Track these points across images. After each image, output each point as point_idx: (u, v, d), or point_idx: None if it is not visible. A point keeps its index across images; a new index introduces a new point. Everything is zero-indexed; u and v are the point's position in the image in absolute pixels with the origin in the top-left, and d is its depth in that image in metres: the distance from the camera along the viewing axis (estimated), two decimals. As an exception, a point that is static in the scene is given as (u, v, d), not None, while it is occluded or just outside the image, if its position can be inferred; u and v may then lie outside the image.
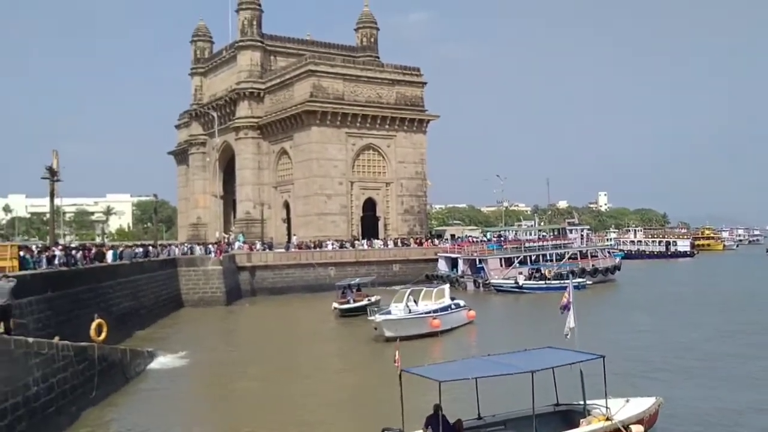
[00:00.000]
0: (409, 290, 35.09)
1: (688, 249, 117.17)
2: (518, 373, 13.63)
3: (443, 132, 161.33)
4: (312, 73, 66.44)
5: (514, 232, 70.68)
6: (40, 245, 43.05)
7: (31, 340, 16.92)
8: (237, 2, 73.24)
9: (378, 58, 77.86)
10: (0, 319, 17.07)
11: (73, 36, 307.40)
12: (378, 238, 67.03)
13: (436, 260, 62.85)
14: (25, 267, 26.20)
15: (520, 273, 54.51)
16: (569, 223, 75.32)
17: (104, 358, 20.73)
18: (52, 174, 32.13)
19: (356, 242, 63.84)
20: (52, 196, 33.14)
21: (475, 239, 69.76)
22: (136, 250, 44.33)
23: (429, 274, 59.30)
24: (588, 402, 14.82)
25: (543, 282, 52.90)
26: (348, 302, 40.96)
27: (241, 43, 73.00)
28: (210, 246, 55.34)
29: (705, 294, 50.66)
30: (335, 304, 40.85)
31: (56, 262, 29.26)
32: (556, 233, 65.40)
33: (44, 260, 28.89)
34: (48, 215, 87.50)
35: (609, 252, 67.60)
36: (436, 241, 70.01)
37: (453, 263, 61.16)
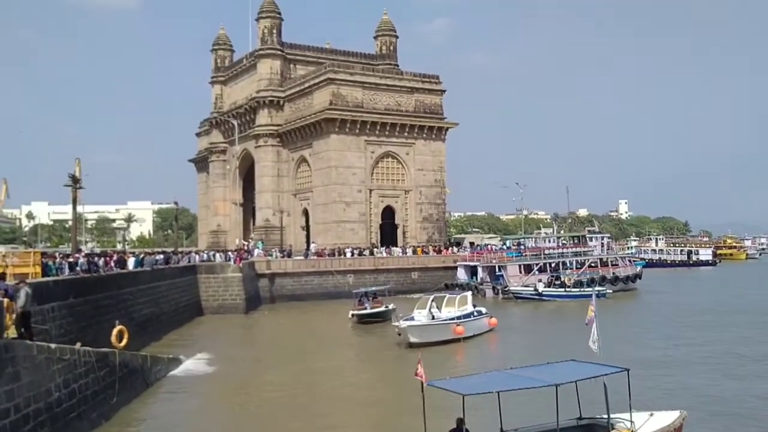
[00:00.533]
0: (432, 297, 35.36)
1: (710, 258, 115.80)
2: (542, 386, 13.44)
3: (462, 139, 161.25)
4: (331, 81, 66.68)
5: (533, 239, 70.28)
6: (60, 253, 43.45)
7: (53, 346, 17.02)
8: (257, 11, 73.84)
9: (397, 65, 77.95)
10: (20, 325, 17.19)
11: (94, 46, 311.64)
12: (397, 246, 66.96)
13: (455, 268, 62.60)
14: (48, 273, 26.44)
15: (540, 280, 54.14)
16: (590, 231, 74.78)
17: (125, 365, 20.84)
18: (75, 181, 32.48)
19: (375, 250, 63.79)
20: (74, 203, 33.51)
21: (494, 247, 69.48)
22: (157, 257, 44.62)
23: (448, 283, 59.06)
24: (612, 415, 14.54)
25: (563, 289, 52.47)
26: (365, 309, 41.08)
27: (261, 52, 73.47)
28: (230, 253, 55.60)
29: (728, 304, 49.87)
30: (352, 311, 40.91)
31: (78, 268, 29.49)
32: (576, 241, 64.92)
33: (66, 267, 29.15)
34: (70, 222, 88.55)
35: (630, 260, 66.98)
36: (455, 249, 69.77)
37: (472, 272, 60.93)
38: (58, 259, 30.10)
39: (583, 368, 15.06)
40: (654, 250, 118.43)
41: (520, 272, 56.56)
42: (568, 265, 58.13)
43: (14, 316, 16.41)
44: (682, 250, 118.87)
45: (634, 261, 69.90)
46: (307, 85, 69.98)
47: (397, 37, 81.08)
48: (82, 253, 35.18)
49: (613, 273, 58.86)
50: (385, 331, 37.92)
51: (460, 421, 12.89)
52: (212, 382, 25.52)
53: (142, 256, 43.89)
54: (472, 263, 61.67)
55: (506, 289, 54.96)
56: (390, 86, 69.96)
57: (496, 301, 53.09)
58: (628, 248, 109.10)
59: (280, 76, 73.87)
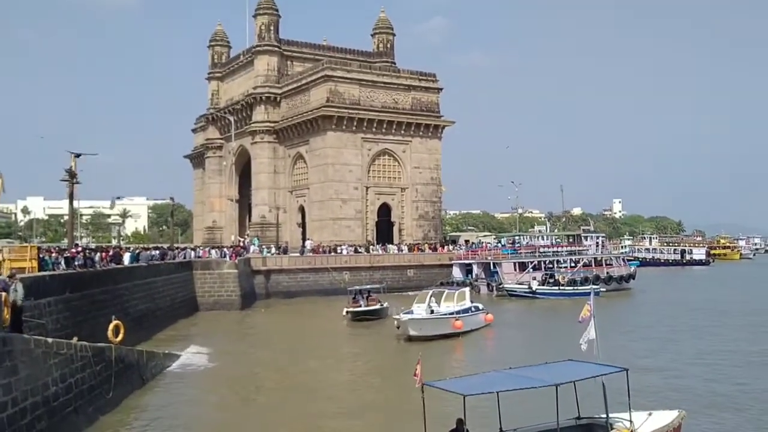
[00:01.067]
0: (431, 292, 36.33)
1: (703, 257, 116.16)
2: (542, 386, 13.48)
3: (458, 138, 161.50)
4: (328, 78, 66.69)
5: (528, 237, 70.46)
6: (57, 248, 43.40)
7: (50, 340, 17.09)
8: (254, 7, 73.74)
9: (394, 63, 77.98)
10: (11, 318, 17.18)
11: (90, 42, 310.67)
12: (392, 243, 67.07)
13: (451, 266, 62.76)
14: (44, 268, 26.48)
15: (534, 278, 54.36)
16: (585, 231, 74.95)
17: (121, 359, 20.91)
18: (71, 176, 32.46)
19: (371, 247, 63.90)
20: (71, 198, 33.50)
21: (489, 245, 69.65)
22: (153, 253, 44.65)
23: (443, 281, 59.23)
24: (611, 415, 14.59)
25: (557, 288, 52.74)
26: (360, 306, 41.26)
27: (258, 48, 73.39)
28: (225, 249, 55.61)
29: (723, 303, 50.09)
30: (347, 309, 41.12)
31: (75, 263, 29.52)
32: (571, 240, 65.12)
33: (63, 261, 29.18)
34: (65, 217, 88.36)
35: (624, 260, 67.14)
36: (451, 247, 69.94)
37: (467, 269, 61.14)
38: (54, 254, 30.10)
39: (581, 368, 15.09)
40: (648, 249, 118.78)
41: (515, 270, 56.77)
42: (563, 263, 58.36)
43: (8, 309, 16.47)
44: (675, 250, 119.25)
45: (628, 261, 70.12)
46: (304, 81, 69.96)
47: (394, 34, 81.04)
48: (78, 248, 35.14)
49: (607, 273, 59.01)
50: (380, 327, 38.19)
51: (460, 422, 12.88)
52: (208, 378, 25.61)
53: (137, 251, 43.93)
54: (467, 261, 61.87)
55: (501, 286, 55.17)
56: (387, 84, 70.01)
57: (491, 298, 53.35)
58: (622, 247, 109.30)
59: (277, 72, 73.80)
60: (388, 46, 79.99)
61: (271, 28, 73.21)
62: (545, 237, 67.98)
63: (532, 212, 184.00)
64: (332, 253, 59.91)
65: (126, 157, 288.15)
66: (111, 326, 23.17)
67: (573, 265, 58.46)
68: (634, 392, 15.01)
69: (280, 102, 73.43)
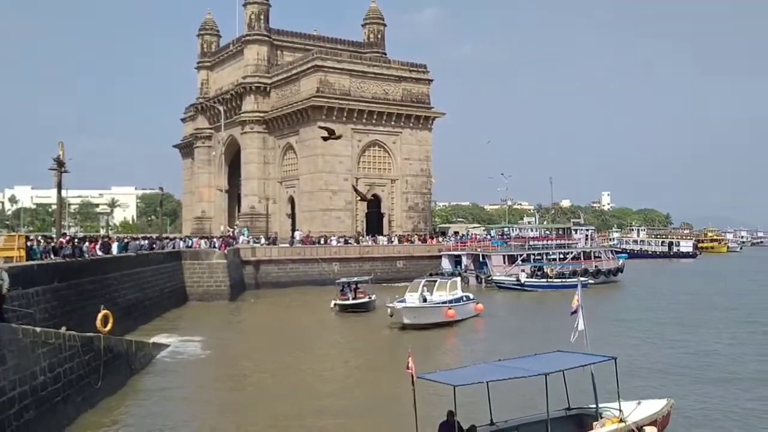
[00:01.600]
0: (423, 281, 37.16)
1: (690, 250, 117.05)
2: (532, 375, 13.59)
3: (449, 129, 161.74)
4: (318, 69, 66.46)
5: (517, 229, 70.63)
6: (45, 237, 43.17)
7: (38, 329, 17.00)
8: (244, -4, 73.26)
9: (385, 54, 77.77)
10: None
11: (79, 31, 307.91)
12: (382, 235, 67.10)
13: (440, 257, 62.90)
14: (32, 257, 26.35)
15: (522, 270, 54.58)
16: (575, 223, 75.25)
17: (110, 349, 20.84)
18: (60, 165, 32.23)
19: (360, 238, 63.92)
20: (59, 186, 33.25)
21: (478, 236, 69.82)
22: (141, 243, 44.46)
23: (432, 272, 59.30)
24: (600, 405, 14.76)
25: (545, 280, 53.03)
26: (348, 299, 41.32)
27: (248, 37, 73.01)
28: (215, 240, 55.45)
29: (710, 294, 50.57)
30: (334, 301, 41.14)
31: (63, 252, 29.38)
32: (560, 232, 65.38)
33: (51, 251, 29.02)
34: (53, 207, 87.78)
35: (612, 252, 67.45)
36: (441, 239, 70.07)
37: (456, 261, 61.29)
38: (42, 243, 29.93)
39: (570, 358, 15.27)
40: (636, 241, 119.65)
41: (504, 262, 56.95)
42: (551, 255, 58.59)
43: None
44: (663, 242, 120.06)
45: (616, 253, 70.45)
46: (294, 71, 69.69)
47: (385, 25, 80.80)
48: (67, 237, 34.97)
49: (596, 266, 59.28)
50: (369, 318, 38.34)
51: (451, 414, 12.95)
52: (197, 368, 25.58)
53: (126, 241, 43.73)
54: (456, 252, 62.02)
55: (489, 278, 55.37)
56: (377, 75, 69.85)
57: (479, 289, 53.57)
58: (610, 239, 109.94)
59: (267, 62, 73.47)
60: (379, 36, 79.75)
61: (261, 17, 72.82)
62: (534, 229, 68.19)
63: (521, 204, 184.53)
64: (322, 244, 59.88)
65: (115, 146, 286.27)
66: (100, 316, 23.09)
67: (562, 257, 58.71)
68: (623, 381, 15.16)
69: (270, 92, 73.13)
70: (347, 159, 66.94)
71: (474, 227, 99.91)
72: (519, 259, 57.00)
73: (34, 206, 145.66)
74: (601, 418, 14.47)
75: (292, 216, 71.42)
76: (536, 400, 14.13)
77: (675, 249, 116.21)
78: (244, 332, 36.65)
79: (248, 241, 59.36)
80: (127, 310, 32.86)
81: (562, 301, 34.91)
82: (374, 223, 69.62)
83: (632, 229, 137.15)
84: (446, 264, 61.65)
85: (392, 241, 64.54)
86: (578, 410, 15.15)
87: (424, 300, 34.85)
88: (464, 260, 60.18)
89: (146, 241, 45.94)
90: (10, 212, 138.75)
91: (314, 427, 17.72)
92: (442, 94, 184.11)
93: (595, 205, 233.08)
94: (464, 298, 37.38)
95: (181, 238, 58.97)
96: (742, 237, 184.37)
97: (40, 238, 36.84)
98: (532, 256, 57.80)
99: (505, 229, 69.90)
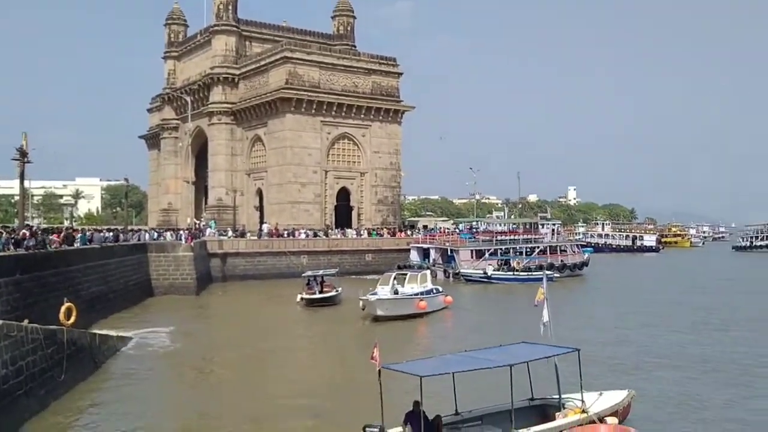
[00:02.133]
0: (393, 274, 37.82)
1: (654, 244, 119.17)
2: (497, 366, 13.80)
3: (418, 123, 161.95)
4: (288, 60, 66.08)
5: (485, 223, 71.21)
6: (8, 227, 42.30)
7: (0, 322, 16.76)
8: (213, -14, 72.43)
9: (354, 46, 77.60)
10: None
11: (42, 17, 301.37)
12: (351, 228, 67.11)
13: (409, 250, 63.14)
14: (-7, 249, 25.86)
15: (489, 264, 55.15)
16: (542, 218, 76.08)
17: (73, 342, 20.58)
18: (23, 155, 31.62)
19: (329, 231, 63.85)
20: (22, 177, 32.63)
21: (446, 230, 70.24)
22: (106, 235, 43.83)
23: (401, 264, 59.53)
24: (563, 396, 15.05)
25: (511, 273, 53.82)
26: (315, 293, 41.22)
27: (216, 28, 72.25)
28: (181, 232, 54.90)
29: (670, 289, 51.68)
30: (301, 295, 40.98)
31: (26, 244, 28.87)
32: (527, 227, 66.02)
33: (13, 242, 28.49)
34: (16, 197, 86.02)
35: (578, 246, 68.40)
36: (409, 232, 70.33)
37: (425, 253, 61.55)
38: (4, 235, 29.36)
39: (535, 349, 15.54)
40: (600, 235, 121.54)
41: (472, 257, 57.33)
42: (519, 249, 59.19)
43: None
44: (627, 236, 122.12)
45: (582, 247, 71.43)
46: (262, 62, 69.20)
47: (354, 17, 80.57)
48: (33, 229, 34.32)
49: (562, 261, 60.02)
50: (336, 311, 38.42)
51: (417, 404, 13.02)
52: (162, 360, 25.40)
53: (90, 233, 43.06)
54: (425, 245, 62.32)
55: (457, 273, 55.77)
56: (347, 67, 69.73)
57: (447, 282, 53.90)
58: (576, 233, 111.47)
59: (235, 53, 72.82)
60: (349, 29, 79.54)
61: (230, 7, 72.11)
62: (502, 224, 68.82)
63: (489, 198, 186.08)
64: (290, 237, 59.70)
65: (79, 136, 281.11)
66: (63, 308, 22.81)
67: (529, 252, 59.36)
68: (586, 373, 15.47)
69: (239, 83, 72.54)
70: (316, 152, 66.76)
71: (443, 221, 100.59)
72: (487, 253, 57.46)
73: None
74: (564, 408, 14.76)
75: (260, 208, 71.04)
76: (499, 390, 14.35)
77: (639, 243, 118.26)
78: (210, 325, 36.49)
79: (215, 234, 58.93)
80: (91, 303, 32.42)
81: (527, 293, 35.46)
82: (343, 216, 69.60)
83: (597, 224, 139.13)
84: (414, 256, 61.88)
85: (361, 234, 64.59)
86: (541, 401, 15.44)
87: (396, 292, 35.30)
88: (432, 254, 60.45)
89: (111, 234, 45.30)
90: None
91: (280, 417, 17.74)
92: (413, 87, 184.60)
93: (561, 199, 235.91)
94: (434, 290, 38.22)
95: (147, 231, 58.27)
96: (704, 232, 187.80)
97: (1, 229, 36.04)
98: (499, 251, 58.33)
99: (473, 223, 70.32)
